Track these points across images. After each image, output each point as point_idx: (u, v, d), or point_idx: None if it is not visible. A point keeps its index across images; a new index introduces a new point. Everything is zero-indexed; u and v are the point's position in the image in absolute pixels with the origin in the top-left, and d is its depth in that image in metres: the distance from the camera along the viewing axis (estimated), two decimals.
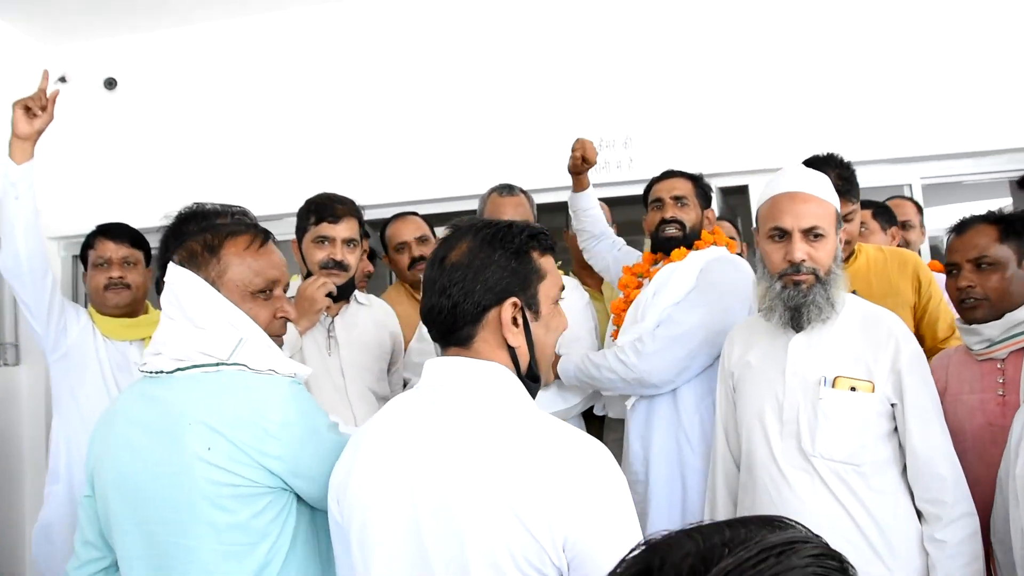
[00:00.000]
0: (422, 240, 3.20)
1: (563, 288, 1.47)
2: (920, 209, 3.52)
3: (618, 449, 2.94)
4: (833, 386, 1.91)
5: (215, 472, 1.48)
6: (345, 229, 2.43)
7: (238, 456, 1.48)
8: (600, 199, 3.53)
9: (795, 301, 1.94)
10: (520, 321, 1.38)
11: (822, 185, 1.99)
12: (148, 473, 1.53)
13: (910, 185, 3.77)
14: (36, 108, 2.31)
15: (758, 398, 2.02)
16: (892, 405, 1.91)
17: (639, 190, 3.86)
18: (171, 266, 1.62)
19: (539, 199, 3.81)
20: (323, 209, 2.45)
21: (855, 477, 1.87)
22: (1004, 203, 4.73)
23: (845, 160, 2.60)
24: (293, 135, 4.23)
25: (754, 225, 2.11)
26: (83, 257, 2.81)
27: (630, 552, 0.82)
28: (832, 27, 3.82)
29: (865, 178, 3.81)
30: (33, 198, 2.38)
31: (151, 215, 2.93)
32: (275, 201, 3.89)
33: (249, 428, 1.49)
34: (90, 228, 2.86)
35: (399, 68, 4.19)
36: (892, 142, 3.72)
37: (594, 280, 3.29)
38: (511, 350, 1.39)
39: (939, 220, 4.99)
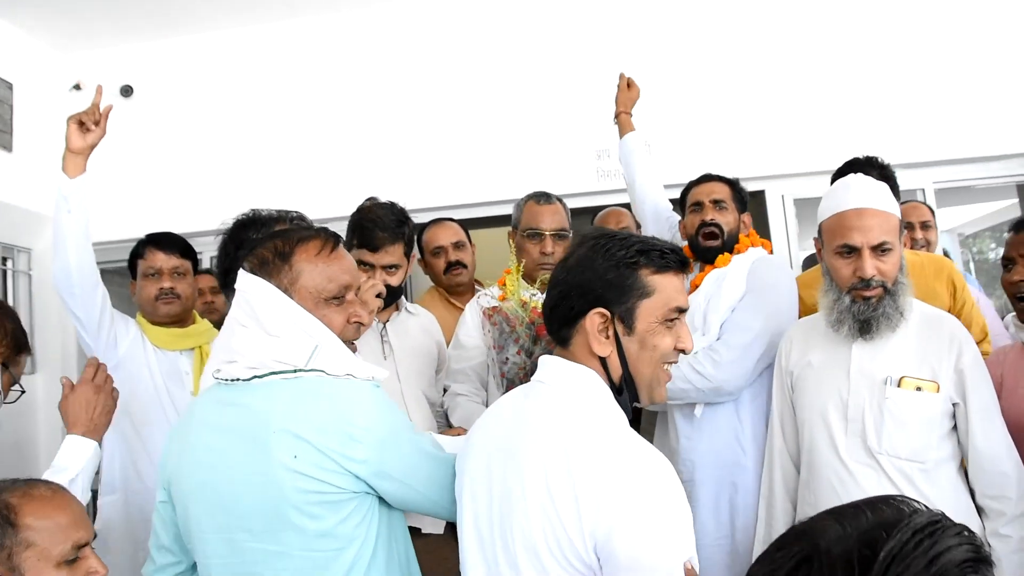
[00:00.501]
0: (458, 245, 3.21)
1: (681, 310, 1.45)
2: (932, 212, 3.60)
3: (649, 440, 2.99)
4: (899, 386, 1.98)
5: (302, 480, 1.47)
6: (385, 257, 2.44)
7: (324, 463, 1.47)
8: (618, 205, 3.60)
9: (865, 315, 2.01)
10: (611, 332, 1.42)
11: (885, 197, 2.05)
12: (231, 481, 1.52)
13: (923, 189, 3.85)
14: (90, 123, 2.33)
15: (821, 397, 2.08)
16: (954, 405, 1.98)
17: None
18: (242, 274, 1.60)
19: (570, 204, 3.85)
20: (365, 235, 2.45)
21: (918, 473, 1.94)
22: (1010, 204, 4.83)
23: (883, 161, 2.66)
24: (311, 142, 4.25)
25: (816, 235, 2.16)
26: (131, 266, 2.80)
27: (779, 540, 0.87)
28: (847, 34, 3.90)
29: None
30: (85, 212, 2.39)
31: (167, 222, 2.96)
32: (295, 208, 3.89)
33: (334, 434, 1.48)
34: (104, 234, 2.86)
35: (430, 74, 4.22)
36: (905, 147, 3.79)
37: None
38: (603, 360, 1.43)
39: (949, 222, 5.07)
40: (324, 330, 1.58)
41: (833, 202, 2.07)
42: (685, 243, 2.66)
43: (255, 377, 1.55)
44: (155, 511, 1.70)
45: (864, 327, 2.01)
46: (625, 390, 1.44)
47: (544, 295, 2.46)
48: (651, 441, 2.76)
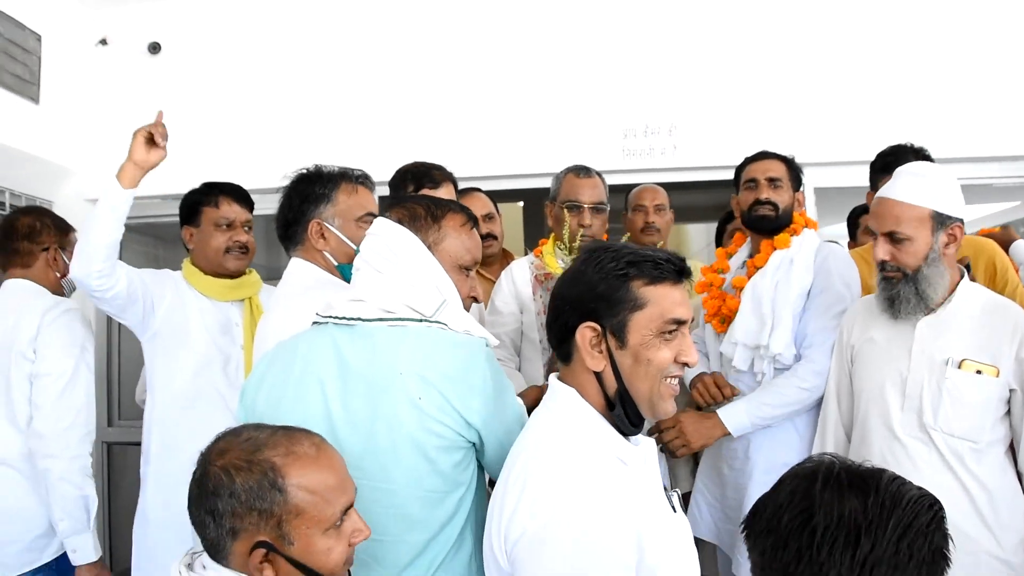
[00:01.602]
0: (488, 217, 3.23)
1: (678, 322, 1.41)
2: None
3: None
4: (959, 368, 2.06)
5: (426, 420, 1.54)
6: (444, 194, 2.48)
7: (445, 407, 1.54)
8: (628, 184, 3.62)
9: (887, 293, 2.14)
10: (604, 347, 1.40)
11: (915, 189, 2.09)
12: (345, 419, 1.58)
13: None
14: (159, 138, 2.30)
15: (880, 372, 2.17)
16: (1011, 391, 2.06)
17: (683, 177, 4.03)
18: (386, 222, 1.69)
19: None
20: (422, 175, 2.51)
21: (969, 452, 2.03)
22: (1017, 205, 4.90)
23: (918, 147, 2.75)
24: (339, 105, 4.23)
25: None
26: (189, 211, 2.72)
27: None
28: (874, 27, 3.94)
29: None
30: (122, 223, 2.33)
31: (193, 180, 2.94)
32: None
33: (457, 382, 1.56)
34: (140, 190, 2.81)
35: (462, 46, 4.20)
36: (927, 143, 3.80)
37: None
38: (600, 375, 1.42)
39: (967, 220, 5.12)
40: (452, 289, 1.69)
41: (882, 188, 2.18)
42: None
43: (380, 320, 1.62)
44: None
45: (890, 304, 2.13)
46: (619, 406, 1.42)
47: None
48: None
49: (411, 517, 1.58)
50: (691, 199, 5.16)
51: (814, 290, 2.46)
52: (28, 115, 3.95)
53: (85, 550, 2.52)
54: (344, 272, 2.15)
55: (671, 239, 5.03)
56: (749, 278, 2.56)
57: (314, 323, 1.73)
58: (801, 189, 2.66)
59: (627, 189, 3.66)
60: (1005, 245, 2.98)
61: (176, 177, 3.86)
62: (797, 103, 3.95)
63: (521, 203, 5.92)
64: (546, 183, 3.15)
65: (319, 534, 1.29)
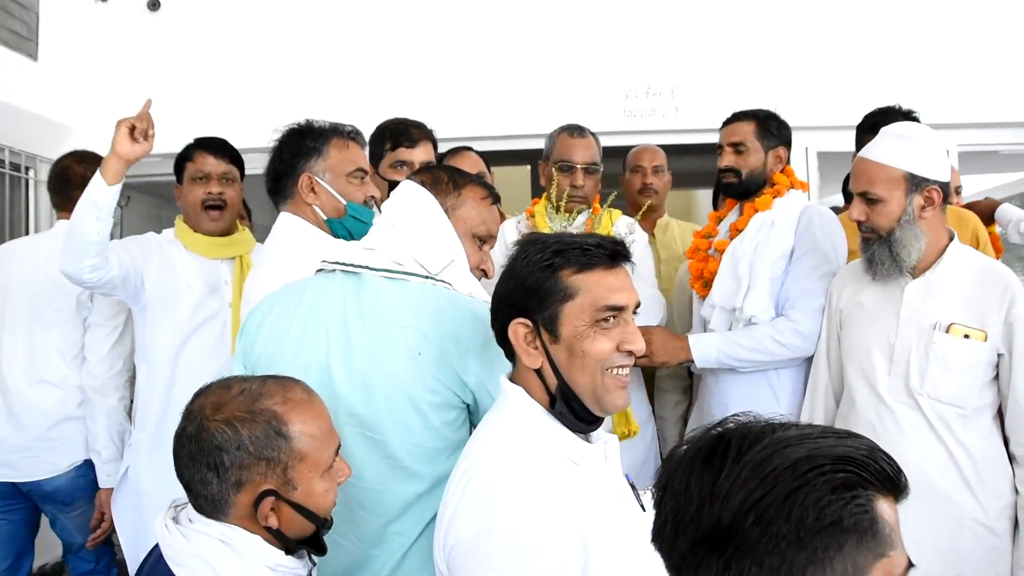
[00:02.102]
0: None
1: (614, 308, 1.34)
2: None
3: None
4: (947, 332, 2.04)
5: (422, 376, 1.55)
6: (422, 153, 2.51)
7: (444, 365, 1.56)
8: (651, 145, 3.58)
9: (865, 254, 2.14)
10: (539, 343, 1.35)
11: (893, 150, 2.07)
12: (345, 366, 1.60)
13: (947, 152, 3.84)
14: (141, 131, 2.23)
15: (868, 336, 2.15)
16: (999, 356, 2.04)
17: (685, 139, 3.99)
18: (409, 183, 1.74)
19: None
20: (399, 134, 2.51)
21: (956, 418, 2.02)
22: None
23: (907, 109, 2.72)
24: (336, 63, 4.20)
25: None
26: (178, 170, 2.72)
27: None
28: None
29: None
30: (111, 218, 2.29)
31: (191, 139, 2.91)
32: None
33: (457, 342, 1.57)
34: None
35: (466, 1, 4.17)
36: (931, 107, 3.77)
37: (647, 224, 3.35)
38: (540, 371, 1.36)
39: (973, 187, 5.08)
40: (462, 254, 1.71)
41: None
42: None
43: (387, 270, 1.64)
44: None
45: (868, 265, 2.13)
46: (560, 402, 1.35)
47: (571, 224, 2.51)
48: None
49: (401, 468, 1.59)
50: (697, 164, 5.11)
51: (797, 252, 2.43)
52: (27, 72, 3.93)
53: (115, 475, 2.74)
54: (333, 227, 2.15)
55: (678, 205, 5.01)
56: (731, 241, 2.54)
57: (319, 270, 1.74)
58: (782, 146, 2.57)
59: (628, 152, 3.61)
60: (988, 214, 2.96)
61: (177, 135, 3.86)
62: (801, 66, 3.91)
63: (529, 167, 5.89)
64: (541, 144, 3.11)
65: (318, 477, 1.32)
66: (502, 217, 3.05)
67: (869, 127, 2.68)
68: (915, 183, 2.07)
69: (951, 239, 2.14)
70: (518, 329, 1.36)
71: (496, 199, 1.80)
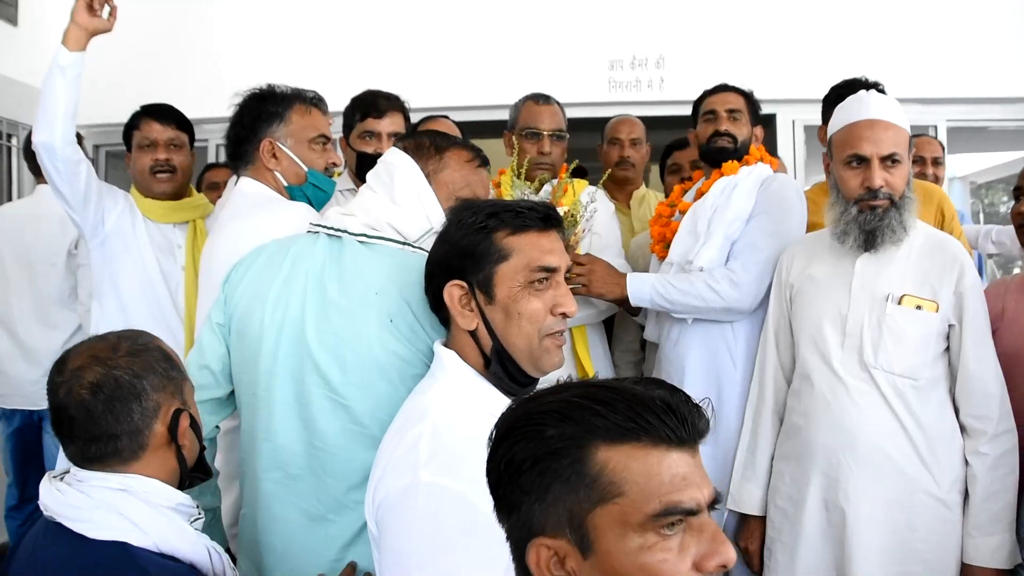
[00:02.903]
0: None
1: (547, 269, 1.37)
2: (942, 147, 3.58)
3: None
4: (899, 303, 2.02)
5: (393, 343, 1.56)
6: (390, 124, 2.52)
7: (417, 331, 1.56)
8: (629, 116, 3.54)
9: (871, 225, 2.03)
10: (474, 304, 1.37)
11: (897, 111, 2.07)
12: (317, 328, 1.60)
13: (935, 127, 3.82)
14: (98, 5, 2.32)
15: (819, 310, 2.12)
16: (949, 326, 2.03)
17: (671, 111, 3.94)
18: (394, 150, 1.73)
19: (570, 114, 3.81)
20: (367, 105, 2.54)
21: (910, 390, 2.00)
22: None
23: (871, 81, 2.68)
24: (313, 30, 4.18)
25: (824, 150, 2.19)
26: (126, 139, 2.77)
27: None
28: None
29: None
30: (78, 89, 2.38)
31: (183, 106, 2.90)
32: None
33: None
34: (110, 115, 2.84)
35: None
36: (920, 82, 3.75)
37: (623, 195, 3.32)
38: (475, 333, 1.38)
39: (960, 169, 5.03)
40: (442, 219, 1.64)
41: (846, 114, 2.09)
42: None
43: (365, 235, 1.64)
44: (208, 330, 1.75)
45: (869, 238, 2.04)
46: (496, 364, 1.37)
47: (536, 193, 2.48)
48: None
49: (367, 435, 1.57)
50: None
51: (753, 212, 2.42)
52: (7, 37, 3.91)
53: None
54: (293, 193, 2.15)
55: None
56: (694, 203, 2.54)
57: (308, 231, 1.75)
58: (758, 125, 2.60)
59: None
60: None
61: (166, 101, 3.83)
62: (789, 38, 3.86)
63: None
64: None
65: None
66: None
67: (835, 99, 2.64)
68: (911, 146, 2.09)
69: None
70: (453, 291, 1.37)
71: (484, 162, 1.76)
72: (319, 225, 1.71)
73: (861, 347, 2.03)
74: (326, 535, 1.62)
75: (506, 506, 0.92)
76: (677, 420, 0.89)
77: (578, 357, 2.58)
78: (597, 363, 2.62)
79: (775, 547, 2.14)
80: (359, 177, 2.52)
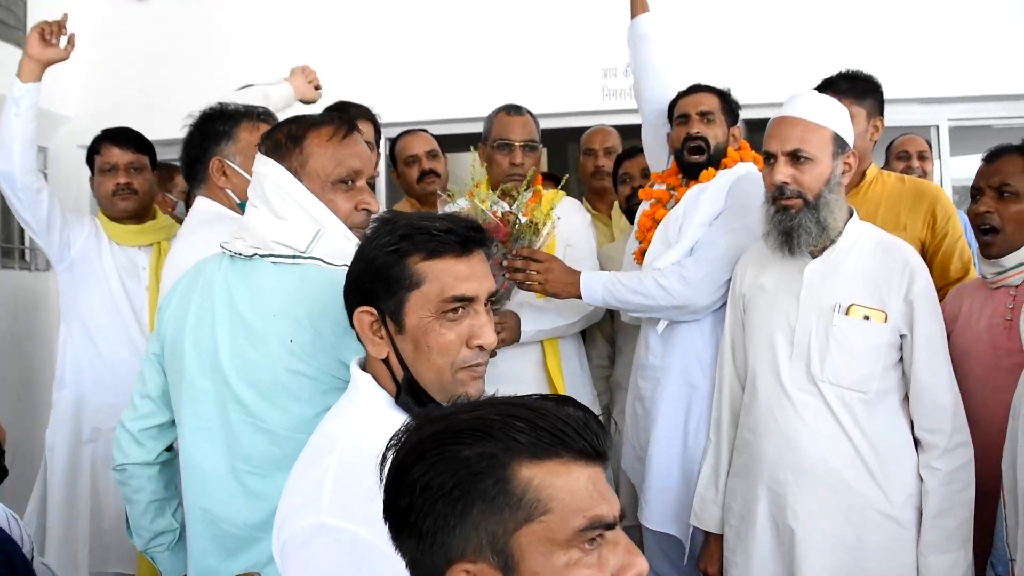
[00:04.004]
0: (432, 155, 3.21)
1: (462, 299, 1.26)
2: (929, 144, 3.48)
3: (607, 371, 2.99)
4: (847, 314, 1.95)
5: (296, 363, 1.52)
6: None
7: (321, 347, 1.52)
8: (604, 126, 3.51)
9: (784, 225, 1.98)
10: (385, 332, 1.27)
11: (820, 109, 2.00)
12: (231, 354, 1.59)
13: (937, 127, 3.71)
14: (51, 37, 2.41)
15: (769, 321, 2.05)
16: (901, 336, 1.95)
17: None
18: (258, 156, 1.65)
19: (546, 124, 3.79)
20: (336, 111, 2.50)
21: (859, 403, 1.93)
22: None
23: (859, 72, 2.58)
24: (310, 53, 4.19)
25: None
26: (89, 163, 2.84)
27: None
28: None
29: (890, 117, 3.76)
30: (33, 119, 2.47)
31: (178, 126, 2.96)
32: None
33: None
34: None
35: None
36: (920, 81, 3.65)
37: (604, 206, 3.30)
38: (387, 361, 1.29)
39: (967, 168, 4.87)
40: (329, 215, 1.61)
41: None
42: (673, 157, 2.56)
43: (257, 255, 1.60)
44: (146, 360, 1.77)
45: (786, 239, 1.98)
46: (405, 395, 1.28)
47: (513, 207, 2.47)
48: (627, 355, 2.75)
49: (291, 457, 1.51)
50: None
51: (720, 212, 2.36)
52: (15, 61, 4.01)
53: None
54: (245, 210, 2.16)
55: None
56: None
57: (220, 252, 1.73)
58: (738, 124, 2.54)
59: None
60: None
61: (162, 124, 3.91)
62: (782, 42, 3.78)
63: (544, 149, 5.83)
64: None
65: None
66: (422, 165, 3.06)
67: None
68: (840, 146, 2.00)
69: (851, 215, 2.04)
70: (363, 318, 1.28)
71: (350, 127, 1.66)
72: (223, 247, 1.69)
73: (808, 359, 1.96)
74: (257, 555, 1.61)
75: (417, 533, 0.88)
76: (592, 435, 0.88)
77: (549, 373, 2.57)
78: (572, 379, 2.59)
79: (731, 568, 2.08)
80: None
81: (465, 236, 1.26)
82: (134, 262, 2.79)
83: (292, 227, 1.59)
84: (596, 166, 3.25)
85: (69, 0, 4.29)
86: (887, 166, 3.33)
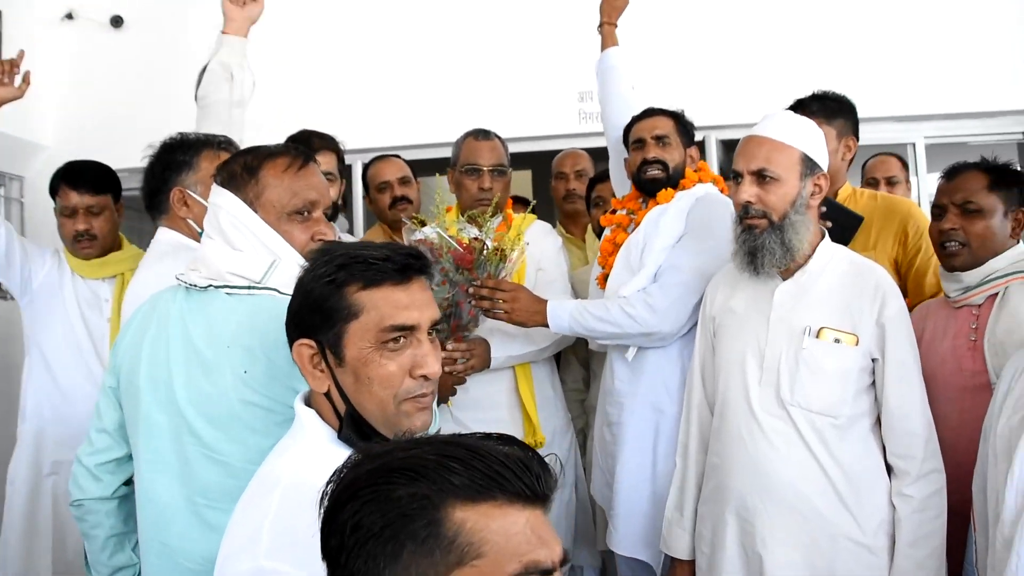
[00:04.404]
0: (404, 181, 3.21)
1: (402, 328, 1.23)
2: (905, 165, 3.47)
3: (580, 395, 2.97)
4: (817, 337, 1.91)
5: (250, 394, 1.51)
6: (321, 163, 2.46)
7: (274, 381, 1.51)
8: (585, 149, 3.51)
9: (749, 245, 1.96)
10: (326, 365, 1.25)
11: (789, 129, 1.98)
12: (186, 386, 1.57)
13: (913, 144, 3.71)
14: (3, 76, 2.41)
15: (740, 344, 2.02)
16: (873, 360, 1.92)
17: None
18: (214, 187, 1.64)
19: (522, 147, 3.79)
20: (300, 143, 2.51)
21: (830, 429, 1.89)
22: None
23: (829, 92, 2.58)
24: (284, 77, 4.21)
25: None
26: (54, 198, 2.81)
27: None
28: None
29: (866, 136, 3.76)
30: None
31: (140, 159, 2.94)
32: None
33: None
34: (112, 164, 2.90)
35: (388, 13, 4.13)
36: (895, 99, 3.65)
37: (578, 229, 3.28)
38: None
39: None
40: (284, 246, 1.60)
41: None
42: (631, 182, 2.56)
43: (212, 286, 1.59)
44: (102, 394, 1.75)
45: (751, 259, 1.95)
46: (347, 429, 1.25)
47: (482, 231, 2.45)
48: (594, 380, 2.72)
49: (237, 490, 1.53)
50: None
51: (681, 235, 2.34)
52: None
53: None
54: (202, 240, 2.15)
55: None
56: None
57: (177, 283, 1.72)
58: (693, 146, 2.53)
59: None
60: None
61: (139, 151, 3.89)
62: (759, 60, 3.77)
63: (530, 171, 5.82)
64: None
65: None
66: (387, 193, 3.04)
67: None
68: (809, 167, 1.97)
69: (823, 236, 2.02)
70: (302, 351, 1.26)
71: (307, 159, 1.65)
72: (179, 279, 1.68)
73: (778, 383, 1.93)
74: None
75: (349, 574, 0.85)
76: (531, 476, 0.85)
77: (522, 398, 2.54)
78: (545, 403, 2.57)
79: None
80: None
81: (403, 264, 1.24)
82: (96, 294, 2.77)
83: (247, 258, 1.58)
84: (568, 189, 3.24)
85: (44, 27, 4.35)
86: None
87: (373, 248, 1.27)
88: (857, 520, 1.86)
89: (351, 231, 3.86)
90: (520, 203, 3.53)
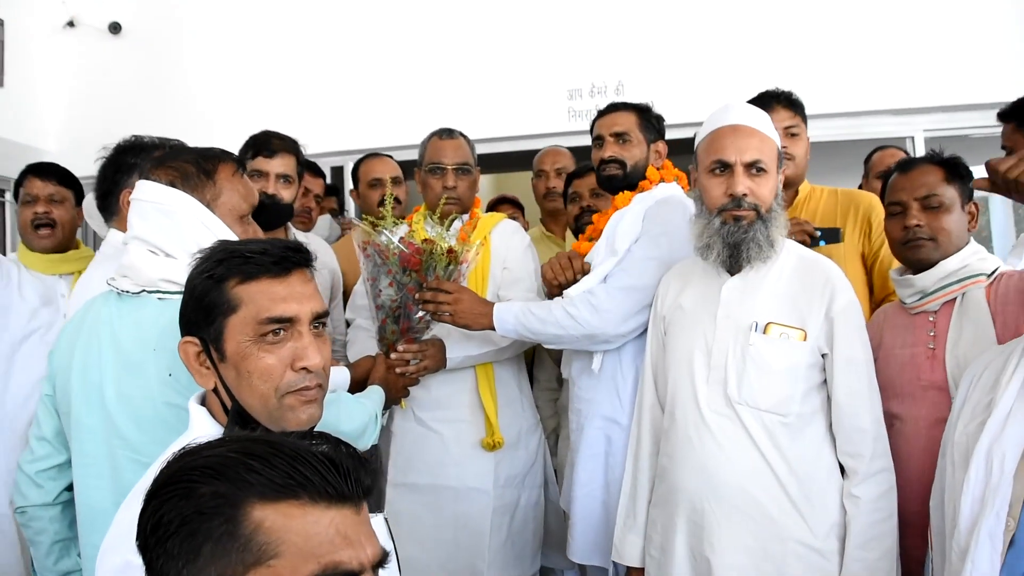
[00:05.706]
0: (396, 180, 3.20)
1: (279, 320, 1.23)
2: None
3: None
4: (764, 332, 1.85)
5: (174, 396, 1.52)
6: (280, 165, 2.50)
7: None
8: (574, 147, 3.47)
9: (735, 237, 1.86)
10: (210, 362, 1.25)
11: (764, 121, 1.94)
12: (116, 391, 1.58)
13: (912, 138, 3.61)
14: None
15: (688, 342, 1.95)
16: (823, 355, 1.85)
17: None
18: (154, 186, 1.60)
19: (511, 146, 3.76)
20: (260, 143, 2.53)
21: (779, 428, 1.82)
22: None
23: (787, 92, 2.52)
24: (276, 81, 4.24)
25: (692, 163, 2.03)
26: (17, 196, 2.86)
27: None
28: None
29: (866, 129, 3.68)
30: None
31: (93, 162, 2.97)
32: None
33: None
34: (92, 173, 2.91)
35: (378, 14, 4.14)
36: (894, 92, 3.56)
37: (559, 227, 3.24)
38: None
39: None
40: None
41: (711, 122, 1.95)
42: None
43: (144, 292, 1.60)
44: (40, 402, 1.77)
45: (733, 253, 1.86)
46: (232, 426, 1.24)
47: (443, 231, 2.42)
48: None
49: None
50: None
51: (638, 238, 2.27)
52: None
53: None
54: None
55: None
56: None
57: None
58: (660, 140, 2.45)
59: (575, 152, 3.49)
60: None
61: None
62: (749, 59, 3.70)
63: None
64: (485, 149, 3.11)
65: None
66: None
67: None
68: (780, 160, 1.94)
69: None
70: (188, 348, 1.28)
71: (241, 165, 1.70)
72: (110, 283, 1.68)
73: (725, 381, 1.86)
74: None
75: (154, 571, 0.84)
76: (339, 475, 0.83)
77: (482, 400, 2.49)
78: (510, 403, 2.52)
79: None
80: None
81: (280, 256, 1.25)
82: (53, 290, 2.77)
83: (178, 264, 1.55)
84: (548, 187, 3.19)
85: (46, 36, 4.43)
86: (867, 183, 3.19)
87: (251, 243, 1.28)
88: (808, 523, 1.78)
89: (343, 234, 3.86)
90: (512, 205, 3.51)
